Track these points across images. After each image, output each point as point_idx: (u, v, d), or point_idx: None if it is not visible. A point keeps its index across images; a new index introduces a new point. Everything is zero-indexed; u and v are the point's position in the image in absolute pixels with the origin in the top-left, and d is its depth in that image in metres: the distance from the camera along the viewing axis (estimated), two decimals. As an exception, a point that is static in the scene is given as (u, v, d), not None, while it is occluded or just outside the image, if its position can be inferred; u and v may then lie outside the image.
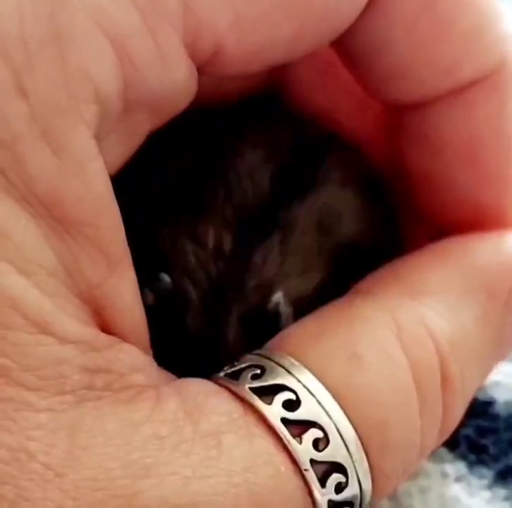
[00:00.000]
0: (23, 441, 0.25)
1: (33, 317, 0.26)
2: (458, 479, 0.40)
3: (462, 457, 0.40)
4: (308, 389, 0.29)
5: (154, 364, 0.30)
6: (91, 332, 0.28)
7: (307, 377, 0.29)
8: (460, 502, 0.39)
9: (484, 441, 0.41)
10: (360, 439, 0.29)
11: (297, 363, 0.29)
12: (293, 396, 0.29)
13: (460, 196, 0.36)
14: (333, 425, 0.28)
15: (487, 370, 0.35)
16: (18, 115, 0.27)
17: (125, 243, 0.29)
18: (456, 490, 0.40)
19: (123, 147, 0.30)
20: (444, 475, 0.40)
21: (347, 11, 0.32)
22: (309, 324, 0.32)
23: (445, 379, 0.31)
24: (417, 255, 0.35)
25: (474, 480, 0.40)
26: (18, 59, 0.27)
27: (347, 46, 0.34)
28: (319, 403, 0.29)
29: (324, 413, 0.28)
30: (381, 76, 0.34)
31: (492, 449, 0.40)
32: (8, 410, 0.25)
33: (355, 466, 0.28)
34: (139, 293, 0.30)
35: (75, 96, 0.27)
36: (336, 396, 0.29)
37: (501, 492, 0.39)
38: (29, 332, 0.26)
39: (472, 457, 0.40)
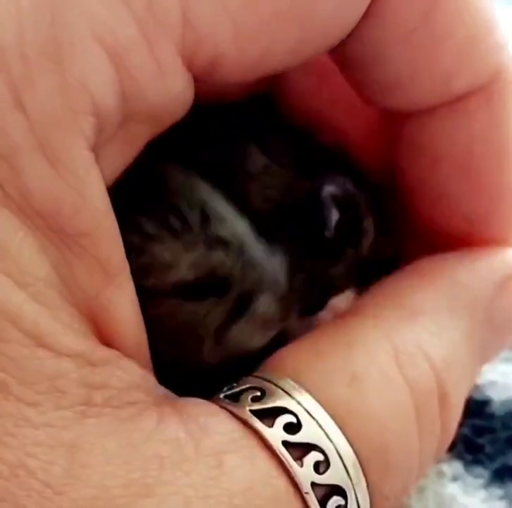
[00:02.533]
0: (23, 457, 0.25)
1: (29, 330, 0.26)
2: (454, 478, 0.40)
3: (459, 456, 0.41)
4: (309, 412, 0.29)
5: (154, 380, 0.30)
6: (88, 345, 0.28)
7: (308, 400, 0.29)
8: (456, 501, 0.40)
9: (480, 440, 0.41)
10: (360, 462, 0.29)
11: (297, 386, 0.29)
12: (293, 419, 0.29)
13: (454, 206, 0.36)
14: (333, 448, 0.28)
15: (473, 380, 0.36)
16: (16, 127, 0.26)
17: (123, 255, 0.29)
18: (453, 489, 0.40)
19: (121, 157, 0.30)
20: (441, 474, 0.40)
21: (346, 19, 0.32)
22: (306, 345, 0.32)
23: (442, 398, 0.32)
24: (406, 275, 0.35)
25: (470, 480, 0.40)
26: (17, 70, 0.26)
27: (344, 54, 0.34)
28: (320, 426, 0.29)
29: (324, 436, 0.29)
30: (377, 85, 0.34)
31: (488, 449, 0.41)
32: (8, 425, 0.25)
33: (354, 489, 0.29)
34: (138, 306, 0.30)
35: (73, 108, 0.27)
36: (337, 419, 0.29)
37: (498, 491, 0.40)
38: (26, 345, 0.26)
39: (469, 456, 0.41)
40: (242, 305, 0.33)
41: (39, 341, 0.26)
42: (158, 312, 0.32)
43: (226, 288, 0.33)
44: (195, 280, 0.32)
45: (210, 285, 0.33)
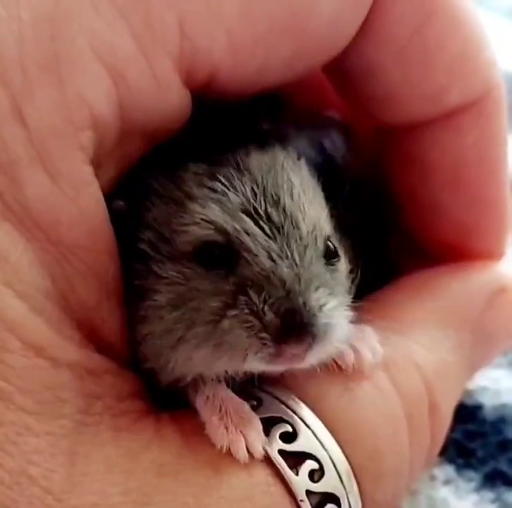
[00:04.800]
0: (24, 465, 0.26)
1: (30, 341, 0.27)
2: (446, 482, 0.41)
3: (451, 461, 0.41)
4: (304, 422, 0.29)
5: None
6: (87, 356, 0.28)
7: (303, 410, 0.30)
8: (448, 505, 0.40)
9: (472, 445, 0.41)
10: (354, 469, 0.29)
11: (293, 396, 0.30)
12: (289, 429, 0.29)
13: (445, 217, 0.37)
14: (328, 457, 0.29)
15: (462, 390, 0.37)
16: (16, 139, 0.27)
17: (120, 272, 0.30)
18: (445, 492, 0.40)
19: (118, 167, 0.31)
20: (433, 478, 0.41)
21: (340, 34, 0.32)
22: None
23: (432, 407, 0.32)
24: (396, 289, 0.36)
25: (462, 483, 0.41)
26: (17, 84, 0.27)
27: (338, 69, 0.34)
28: (315, 435, 0.29)
29: (319, 446, 0.29)
30: (371, 99, 0.35)
31: (480, 453, 0.41)
32: (10, 433, 0.26)
33: (347, 497, 0.29)
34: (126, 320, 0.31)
35: (72, 121, 0.27)
36: (331, 429, 0.30)
37: (489, 495, 0.40)
38: (26, 356, 0.27)
39: (461, 461, 0.41)
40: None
41: (40, 352, 0.27)
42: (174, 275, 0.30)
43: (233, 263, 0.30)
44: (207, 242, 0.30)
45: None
